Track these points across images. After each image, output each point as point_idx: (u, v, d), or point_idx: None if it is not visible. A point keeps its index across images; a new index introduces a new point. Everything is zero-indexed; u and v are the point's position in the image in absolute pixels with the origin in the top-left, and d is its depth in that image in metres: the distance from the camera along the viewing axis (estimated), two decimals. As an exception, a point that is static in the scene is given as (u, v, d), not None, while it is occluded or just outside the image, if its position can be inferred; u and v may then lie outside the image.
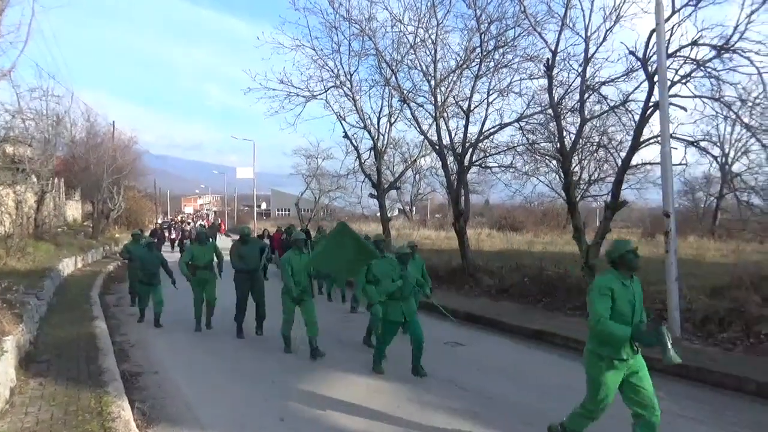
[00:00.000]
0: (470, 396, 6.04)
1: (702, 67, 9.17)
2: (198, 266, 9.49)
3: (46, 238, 18.08)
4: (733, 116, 9.67)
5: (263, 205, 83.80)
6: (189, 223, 33.91)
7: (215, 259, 9.83)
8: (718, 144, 21.71)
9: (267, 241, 17.75)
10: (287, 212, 66.50)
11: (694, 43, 9.01)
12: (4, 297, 7.01)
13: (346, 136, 17.40)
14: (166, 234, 30.14)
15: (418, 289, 7.14)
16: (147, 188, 47.93)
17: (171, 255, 14.75)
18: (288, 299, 7.90)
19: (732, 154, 25.50)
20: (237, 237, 9.73)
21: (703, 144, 10.28)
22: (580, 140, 11.57)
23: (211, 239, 11.15)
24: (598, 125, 12.11)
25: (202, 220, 57.06)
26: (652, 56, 9.32)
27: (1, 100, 11.66)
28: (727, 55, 8.83)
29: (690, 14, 9.04)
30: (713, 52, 8.95)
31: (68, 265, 16.35)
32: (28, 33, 9.63)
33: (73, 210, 31.33)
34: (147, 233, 19.32)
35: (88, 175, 25.36)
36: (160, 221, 45.33)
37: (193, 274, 9.44)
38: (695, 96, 9.47)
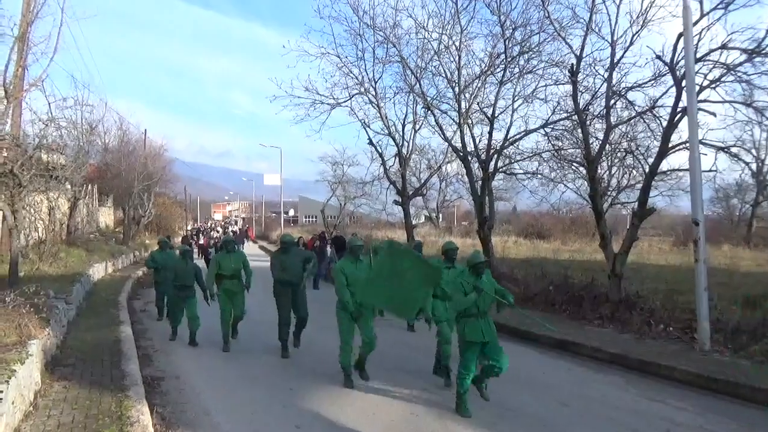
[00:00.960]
0: (489, 406, 5.93)
1: (732, 72, 8.93)
2: (225, 276, 8.78)
3: (78, 243, 18.53)
4: (767, 122, 9.40)
5: (291, 212, 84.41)
6: (217, 231, 34.04)
7: (243, 270, 8.98)
8: (753, 150, 21.11)
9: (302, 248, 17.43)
10: (314, 219, 66.85)
11: (724, 46, 8.80)
12: (31, 301, 7.18)
13: (370, 142, 17.43)
14: (195, 239, 29.80)
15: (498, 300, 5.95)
16: (177, 195, 48.83)
17: (198, 262, 14.84)
18: (345, 316, 6.75)
19: (768, 160, 24.77)
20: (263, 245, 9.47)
21: (734, 150, 9.99)
22: (608, 146, 11.37)
23: (238, 246, 10.73)
24: (626, 131, 11.88)
25: (233, 226, 57.25)
26: (680, 60, 9.11)
27: (35, 109, 12.04)
28: (759, 59, 8.60)
29: (719, 17, 8.84)
30: (744, 56, 8.72)
31: (98, 271, 16.71)
32: (57, 41, 9.92)
33: (106, 216, 32.06)
34: (177, 239, 19.50)
35: (120, 182, 25.95)
36: (189, 227, 45.94)
37: (219, 285, 8.79)
38: (725, 101, 9.24)
